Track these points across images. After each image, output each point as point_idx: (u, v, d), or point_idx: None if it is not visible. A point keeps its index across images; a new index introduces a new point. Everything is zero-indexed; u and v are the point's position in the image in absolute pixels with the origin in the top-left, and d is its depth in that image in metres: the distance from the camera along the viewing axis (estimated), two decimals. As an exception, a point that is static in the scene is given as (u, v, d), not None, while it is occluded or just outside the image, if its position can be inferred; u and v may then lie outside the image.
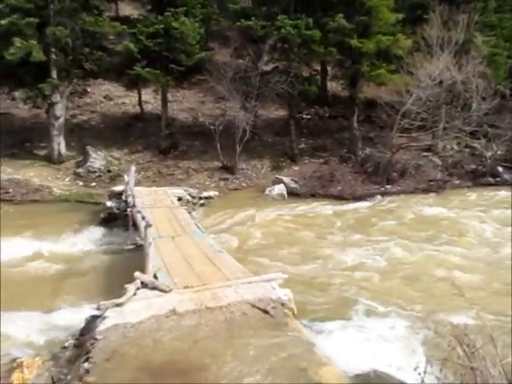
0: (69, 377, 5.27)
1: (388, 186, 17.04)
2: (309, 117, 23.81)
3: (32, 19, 15.38)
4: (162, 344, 5.21)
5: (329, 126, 23.00)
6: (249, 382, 4.36)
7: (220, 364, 4.76)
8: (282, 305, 5.93)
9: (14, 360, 5.83)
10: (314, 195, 16.94)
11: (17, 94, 19.69)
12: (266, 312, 5.79)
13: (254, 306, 5.97)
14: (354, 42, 18.12)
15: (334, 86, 25.72)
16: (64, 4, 16.16)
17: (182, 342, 5.21)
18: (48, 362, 5.92)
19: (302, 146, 21.17)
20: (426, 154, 18.90)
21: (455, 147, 19.68)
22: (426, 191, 16.62)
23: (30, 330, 7.24)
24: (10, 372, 5.57)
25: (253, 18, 18.21)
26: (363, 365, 4.46)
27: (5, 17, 15.05)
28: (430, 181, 17.33)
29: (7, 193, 16.10)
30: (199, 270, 7.25)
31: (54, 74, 17.00)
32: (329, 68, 24.44)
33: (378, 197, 16.07)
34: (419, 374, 3.59)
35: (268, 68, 20.28)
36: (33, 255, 10.57)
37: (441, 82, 17.48)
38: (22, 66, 16.07)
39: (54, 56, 16.71)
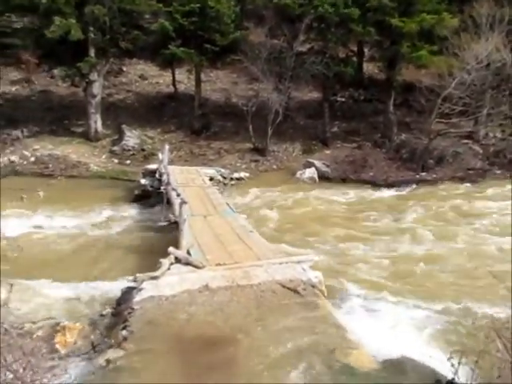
0: (107, 342, 5.55)
1: (423, 174, 16.52)
2: (343, 99, 23.23)
3: (71, -2, 15.68)
4: (195, 317, 5.39)
5: (363, 109, 22.38)
6: (278, 359, 4.44)
7: (250, 340, 4.88)
8: (313, 286, 5.98)
9: (57, 324, 6.19)
10: (345, 180, 16.69)
11: (56, 72, 20.24)
12: (296, 292, 5.86)
13: (284, 286, 6.05)
14: (395, 21, 17.37)
15: (370, 68, 24.90)
16: (102, -18, 16.34)
17: (214, 316, 5.37)
18: (88, 327, 6.26)
19: (335, 129, 20.77)
20: (465, 141, 18.10)
21: (498, 135, 18.71)
22: (463, 180, 16.01)
23: (70, 298, 7.62)
24: (53, 334, 5.93)
25: (290, -3, 17.77)
26: (394, 351, 4.43)
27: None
28: (469, 169, 16.64)
29: (47, 168, 16.79)
30: (231, 248, 7.39)
31: (92, 52, 17.32)
32: (366, 49, 23.64)
33: (413, 184, 15.65)
34: (452, 364, 3.55)
35: (303, 48, 19.80)
36: (70, 228, 11.06)
37: (488, 64, 16.55)
38: (61, 45, 16.44)
39: (91, 35, 16.99)
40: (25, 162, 17.06)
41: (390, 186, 15.82)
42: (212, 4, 17.06)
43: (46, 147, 17.81)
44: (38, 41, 16.77)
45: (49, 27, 15.47)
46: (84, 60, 16.96)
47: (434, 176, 16.36)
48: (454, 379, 3.59)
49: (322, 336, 4.63)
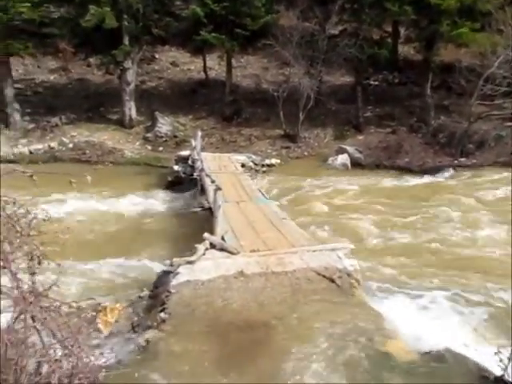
0: (146, 324, 5.76)
1: (462, 159, 15.90)
2: (376, 83, 22.56)
3: (105, -14, 15.92)
4: (230, 303, 5.49)
5: (398, 92, 21.68)
6: (313, 346, 4.47)
7: (286, 326, 4.93)
8: (348, 275, 5.94)
9: (99, 304, 6.47)
10: (379, 166, 16.33)
11: (92, 60, 20.74)
12: (331, 280, 5.84)
13: (319, 273, 6.04)
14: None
15: (405, 50, 23.98)
16: (135, -30, 16.47)
17: (249, 302, 5.45)
18: (126, 308, 6.51)
19: (368, 114, 20.26)
20: (509, 124, 17.24)
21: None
22: (506, 165, 15.29)
23: (109, 279, 7.94)
24: (95, 314, 6.21)
25: (322, -23, 17.30)
26: (435, 343, 4.33)
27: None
28: (513, 154, 15.88)
29: (84, 154, 17.38)
30: (264, 235, 7.43)
31: (126, 40, 17.60)
32: (401, 30, 22.76)
33: (451, 170, 15.12)
34: (501, 359, 3.42)
35: (336, 31, 19.35)
36: (107, 212, 11.44)
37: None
38: (97, 33, 16.78)
39: (125, 23, 17.23)
40: (63, 149, 17.72)
41: (426, 172, 15.35)
42: (243, -12, 16.88)
43: (83, 134, 18.41)
44: (74, 30, 17.21)
45: (84, 16, 15.82)
46: (118, 48, 17.28)
47: (474, 161, 15.71)
48: (503, 375, 3.46)
49: (359, 324, 4.61)
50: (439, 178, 14.70)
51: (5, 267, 2.77)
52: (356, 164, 16.48)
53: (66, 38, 18.55)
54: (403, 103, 20.65)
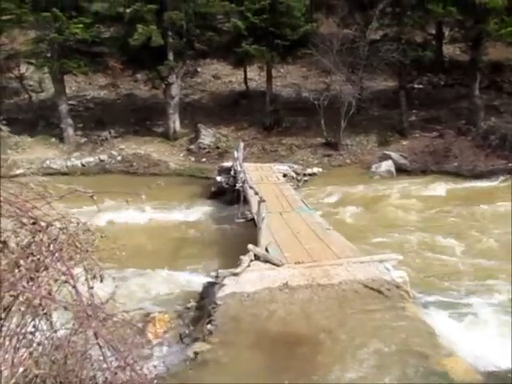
0: (194, 335, 5.87)
1: (517, 162, 15.03)
2: (421, 86, 21.88)
3: (152, 6, 16.64)
4: (276, 315, 5.47)
5: (444, 95, 20.88)
6: (363, 363, 4.35)
7: (334, 340, 4.84)
8: (397, 287, 5.75)
9: (148, 314, 6.68)
10: (425, 172, 15.78)
11: (139, 76, 21.69)
12: (379, 293, 5.68)
13: (366, 285, 5.90)
14: (479, -2, 15.95)
15: (450, 51, 23.13)
16: (180, -12, 17.16)
17: (295, 315, 5.41)
18: (174, 319, 6.67)
19: (413, 118, 19.65)
20: None
21: None
22: None
23: (156, 289, 8.13)
24: (145, 324, 6.42)
25: (362, -17, 17.13)
26: (496, 360, 4.06)
27: (129, 5, 16.50)
28: None
29: (132, 166, 18.11)
30: (308, 246, 7.36)
31: (171, 56, 18.26)
32: (446, 31, 21.98)
33: (505, 174, 14.28)
34: None
35: (377, 36, 19.01)
36: (153, 222, 11.79)
37: None
38: (143, 50, 17.55)
39: (170, 39, 17.90)
40: (113, 161, 18.54)
41: (478, 176, 14.64)
42: (282, -1, 17.04)
43: (130, 147, 19.20)
44: (123, 48, 18.08)
45: (132, 35, 16.61)
46: (163, 63, 17.96)
47: (530, 164, 14.80)
48: None
49: (411, 340, 4.43)
50: (493, 181, 13.93)
51: (66, 281, 2.93)
52: (401, 170, 16.01)
53: (115, 55, 19.55)
54: (450, 105, 19.87)
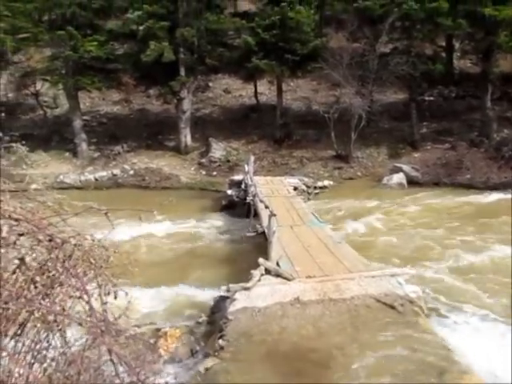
0: (205, 350, 5.84)
1: (531, 174, 14.83)
2: (431, 98, 21.83)
3: (164, 23, 17.04)
4: (288, 331, 5.43)
5: (455, 107, 20.81)
6: (378, 379, 4.28)
7: (347, 357, 4.77)
8: (411, 302, 5.67)
9: (159, 330, 6.67)
10: (437, 184, 15.67)
11: (151, 91, 22.09)
12: (392, 308, 5.61)
13: (378, 300, 5.83)
14: (489, 11, 15.97)
15: (461, 63, 23.10)
16: (191, 6, 17.53)
17: (307, 331, 5.36)
18: (185, 334, 6.65)
19: (424, 130, 19.58)
20: None
21: None
22: None
23: (166, 303, 8.12)
24: (156, 339, 6.41)
25: (371, -2, 17.29)
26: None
27: (142, 23, 16.92)
28: None
29: (144, 180, 18.30)
30: (320, 260, 7.32)
31: (182, 71, 18.60)
32: (456, 43, 21.99)
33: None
34: None
35: (386, 49, 19.10)
36: (164, 235, 11.83)
37: None
38: (156, 66, 17.91)
39: (182, 55, 18.26)
40: (125, 175, 18.76)
41: (491, 188, 14.46)
42: (292, 15, 17.27)
43: (142, 161, 19.45)
44: (136, 64, 18.48)
45: (145, 51, 16.98)
46: (175, 79, 18.28)
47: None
48: None
49: (426, 357, 4.34)
50: (508, 194, 13.71)
51: (80, 297, 2.96)
52: (412, 182, 15.90)
53: (128, 71, 19.97)
54: (461, 117, 19.79)
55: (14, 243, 2.30)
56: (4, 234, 2.09)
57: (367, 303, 5.76)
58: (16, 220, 2.26)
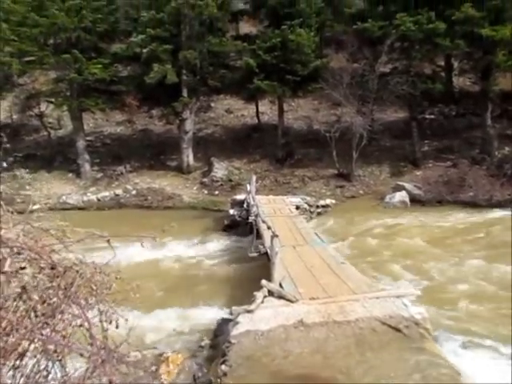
0: (207, 375, 5.73)
1: (534, 191, 14.79)
2: (432, 117, 22.02)
3: (167, 46, 17.38)
4: (291, 355, 5.33)
5: (456, 125, 20.96)
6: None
7: (353, 382, 4.67)
8: (417, 324, 5.57)
9: (161, 354, 6.55)
10: (440, 202, 15.62)
11: (154, 112, 22.37)
12: (398, 330, 5.51)
13: (384, 323, 5.73)
14: (486, 31, 16.23)
15: (460, 81, 23.37)
16: (194, 30, 17.91)
17: (311, 355, 5.26)
18: (188, 359, 6.52)
19: (425, 148, 19.67)
20: None
21: None
22: None
23: (168, 326, 8.00)
24: (157, 365, 6.29)
25: (369, 20, 17.62)
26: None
27: (146, 46, 17.26)
28: None
29: (146, 200, 18.33)
30: (323, 281, 7.24)
31: (185, 92, 18.88)
32: (455, 62, 22.29)
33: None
34: None
35: (386, 69, 19.37)
36: (166, 257, 11.75)
37: None
38: (159, 88, 18.18)
39: (184, 77, 18.57)
40: (127, 195, 18.82)
41: (495, 206, 14.40)
42: (292, 37, 17.59)
43: (145, 181, 19.53)
44: (139, 86, 18.80)
45: (148, 73, 17.27)
46: (178, 100, 18.53)
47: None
48: None
49: (435, 381, 4.25)
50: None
51: (81, 325, 2.93)
52: (415, 201, 15.87)
53: (131, 93, 20.28)
54: (462, 135, 19.90)
55: (16, 272, 2.29)
56: (6, 268, 2.09)
57: (372, 326, 5.66)
58: (19, 249, 2.26)
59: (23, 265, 2.30)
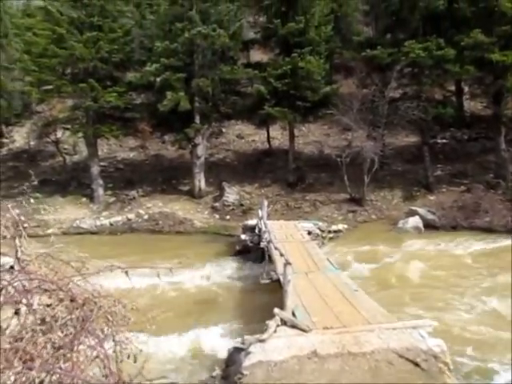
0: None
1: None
2: (444, 141, 21.99)
3: (181, 74, 17.87)
4: (306, 387, 5.19)
5: (469, 149, 20.88)
6: None
7: (369, 418, 4.51)
8: (435, 357, 5.40)
9: (172, 384, 6.45)
10: (455, 227, 15.36)
11: (166, 137, 22.80)
12: (416, 364, 5.34)
13: (401, 355, 5.57)
14: (496, 57, 16.36)
15: (472, 105, 23.43)
16: (206, 59, 18.44)
17: (326, 387, 5.12)
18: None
19: (438, 173, 19.55)
20: None
21: None
22: None
23: (179, 356, 7.88)
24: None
25: (378, 47, 17.93)
26: None
27: (160, 75, 17.77)
28: None
29: (158, 224, 18.42)
30: (337, 310, 7.10)
31: (197, 119, 19.26)
32: (465, 87, 22.42)
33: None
34: None
35: (396, 94, 19.55)
36: (179, 282, 11.68)
37: None
38: (172, 115, 18.58)
39: (197, 104, 18.99)
40: (139, 220, 18.93)
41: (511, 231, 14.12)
42: (302, 65, 17.95)
43: (157, 205, 19.69)
44: (153, 113, 19.25)
45: (162, 101, 17.70)
46: (190, 126, 18.88)
47: None
48: None
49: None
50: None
51: (97, 356, 2.93)
52: (429, 226, 15.63)
53: (145, 119, 20.77)
54: (476, 159, 19.78)
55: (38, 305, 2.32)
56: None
57: (389, 358, 5.49)
58: (40, 281, 2.30)
59: (43, 298, 2.34)
